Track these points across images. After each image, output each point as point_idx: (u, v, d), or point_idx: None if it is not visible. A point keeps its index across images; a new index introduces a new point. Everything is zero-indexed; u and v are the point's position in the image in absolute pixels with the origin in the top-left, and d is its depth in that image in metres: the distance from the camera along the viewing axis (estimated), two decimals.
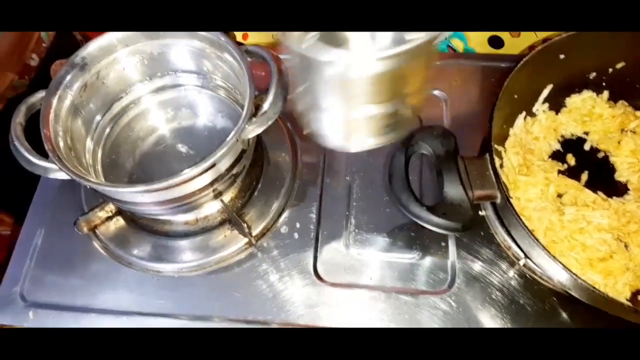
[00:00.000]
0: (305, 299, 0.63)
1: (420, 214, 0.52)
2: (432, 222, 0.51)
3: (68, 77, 0.61)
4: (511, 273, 0.63)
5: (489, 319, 0.60)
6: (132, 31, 0.62)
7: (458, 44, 0.94)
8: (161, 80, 0.69)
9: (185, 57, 0.66)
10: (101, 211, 0.66)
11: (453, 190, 0.52)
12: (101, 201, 0.67)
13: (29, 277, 0.66)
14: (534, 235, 0.50)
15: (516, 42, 0.93)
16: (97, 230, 0.67)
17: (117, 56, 0.64)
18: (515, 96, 0.62)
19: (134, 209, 0.64)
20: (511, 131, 0.64)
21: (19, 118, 0.59)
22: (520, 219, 0.50)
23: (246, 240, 0.66)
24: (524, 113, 0.65)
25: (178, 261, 0.65)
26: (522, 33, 0.94)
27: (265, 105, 0.58)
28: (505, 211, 0.53)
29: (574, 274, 0.49)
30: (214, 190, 0.62)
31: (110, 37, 0.62)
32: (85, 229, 0.66)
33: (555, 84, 0.65)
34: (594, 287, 0.48)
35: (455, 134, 0.61)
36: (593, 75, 0.66)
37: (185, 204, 0.61)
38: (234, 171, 0.61)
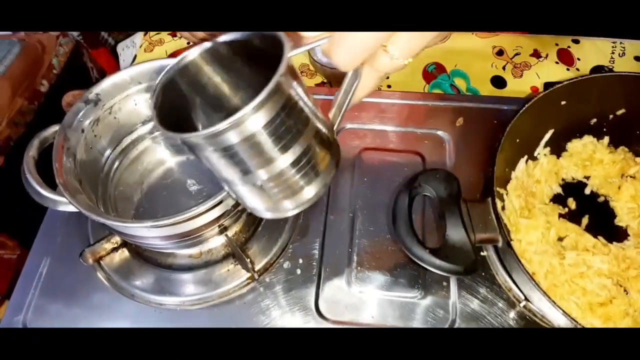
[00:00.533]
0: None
1: (423, 257, 0.52)
2: (435, 265, 0.52)
3: (82, 113, 0.63)
4: (512, 314, 0.63)
5: None
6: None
7: (461, 83, 0.96)
8: None
9: None
10: (107, 243, 0.67)
11: (455, 233, 0.53)
12: (107, 233, 0.68)
13: (33, 306, 0.67)
14: (534, 280, 0.51)
15: (519, 82, 0.95)
16: (102, 262, 0.68)
17: (130, 92, 0.66)
18: (518, 140, 0.63)
19: (140, 243, 0.64)
20: (513, 174, 0.65)
21: (32, 151, 0.60)
22: (522, 264, 0.51)
23: (249, 275, 0.66)
24: (525, 157, 0.67)
25: (180, 294, 0.66)
26: (524, 74, 0.96)
27: None
28: (507, 254, 0.54)
29: (573, 319, 0.49)
30: (219, 226, 0.63)
31: (123, 75, 0.64)
32: (90, 260, 0.67)
33: (556, 129, 0.67)
34: (574, 319, 0.48)
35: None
36: (594, 121, 0.67)
37: (191, 238, 0.62)
38: (240, 207, 0.62)
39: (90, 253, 0.66)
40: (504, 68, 0.98)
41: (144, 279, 0.67)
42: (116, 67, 1.27)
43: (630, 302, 0.56)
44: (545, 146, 0.68)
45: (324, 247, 0.69)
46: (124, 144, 0.70)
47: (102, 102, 0.65)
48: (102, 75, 1.28)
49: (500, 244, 0.54)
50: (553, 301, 0.49)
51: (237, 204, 0.62)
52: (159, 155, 0.73)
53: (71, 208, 0.58)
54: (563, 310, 0.49)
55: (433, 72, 0.98)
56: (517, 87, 0.95)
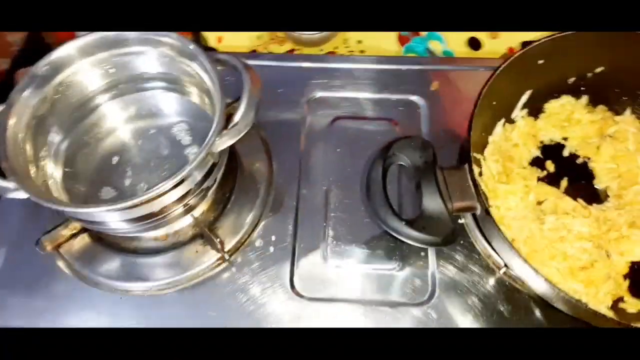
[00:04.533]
0: (282, 315, 0.60)
1: (399, 229, 0.50)
2: (412, 237, 0.50)
3: (28, 90, 0.58)
4: (491, 282, 0.62)
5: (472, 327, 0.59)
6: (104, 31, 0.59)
7: (436, 46, 0.92)
8: (125, 86, 0.66)
9: (152, 65, 0.63)
10: (65, 229, 0.63)
11: (432, 203, 0.51)
12: (65, 219, 0.64)
13: None
14: (514, 247, 0.49)
15: (495, 44, 0.92)
16: (60, 249, 0.64)
17: (79, 66, 0.61)
18: (494, 103, 0.61)
19: (100, 228, 0.61)
20: (490, 139, 0.63)
21: None
22: (501, 232, 0.49)
23: (219, 255, 0.63)
24: (503, 120, 0.64)
25: (148, 279, 0.62)
26: (501, 34, 0.93)
27: (237, 117, 0.56)
28: (486, 222, 0.52)
29: (554, 285, 0.48)
30: (184, 206, 0.59)
31: (70, 47, 0.59)
32: (48, 248, 0.62)
33: (534, 90, 0.64)
34: (575, 299, 0.47)
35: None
36: (572, 80, 0.65)
37: (154, 220, 0.58)
38: (205, 185, 0.59)
39: (47, 241, 0.62)
40: None
41: (108, 265, 0.63)
42: None
43: (612, 264, 0.55)
44: (522, 108, 0.65)
45: (297, 223, 0.66)
46: (74, 120, 0.65)
47: (49, 77, 0.59)
48: None
49: (478, 212, 0.52)
50: (534, 268, 0.48)
51: (201, 183, 0.58)
52: (111, 128, 0.67)
53: (21, 195, 0.54)
54: (544, 277, 0.47)
55: (407, 35, 0.95)
56: (494, 47, 0.91)
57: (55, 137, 0.63)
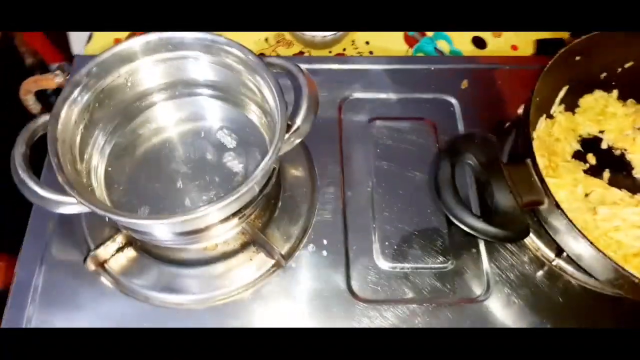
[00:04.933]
0: (342, 319, 0.60)
1: (476, 226, 0.51)
2: (489, 234, 0.51)
3: (74, 94, 0.55)
4: (541, 274, 0.64)
5: (527, 321, 0.60)
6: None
7: (444, 46, 0.94)
8: (176, 90, 0.64)
9: (204, 70, 0.61)
10: (112, 243, 0.60)
11: (503, 199, 0.52)
12: (108, 232, 0.61)
13: (33, 323, 0.59)
14: (582, 232, 0.50)
15: (498, 42, 0.95)
16: (106, 265, 0.61)
17: (133, 67, 0.59)
18: (538, 99, 0.62)
19: (150, 239, 0.59)
20: (534, 134, 0.65)
21: (22, 148, 0.52)
22: (571, 220, 0.50)
23: (273, 262, 0.62)
24: (544, 115, 0.66)
25: (202, 291, 0.60)
26: (503, 33, 0.96)
27: (298, 120, 0.55)
28: (551, 214, 0.53)
29: (619, 265, 0.49)
30: (242, 216, 0.58)
31: (126, 47, 0.57)
32: (93, 266, 0.60)
33: (570, 85, 0.67)
34: (632, 274, 0.48)
35: None
36: (604, 75, 0.68)
37: (208, 231, 0.57)
38: (265, 192, 0.58)
39: (94, 257, 0.59)
40: None
41: (157, 279, 0.61)
42: (54, 51, 1.15)
43: None
44: (560, 104, 0.67)
45: (346, 225, 0.66)
46: (120, 122, 0.63)
47: (95, 80, 0.57)
48: (38, 60, 1.16)
49: (546, 205, 0.53)
50: (602, 252, 0.49)
51: (262, 189, 0.57)
52: (159, 132, 0.65)
53: (77, 209, 0.51)
54: (611, 259, 0.49)
55: (415, 35, 0.96)
56: (498, 46, 0.94)
57: (100, 139, 0.61)
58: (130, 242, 0.62)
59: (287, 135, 0.54)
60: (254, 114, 0.65)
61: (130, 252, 0.62)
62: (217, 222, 0.56)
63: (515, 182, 0.53)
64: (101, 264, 0.61)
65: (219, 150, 0.64)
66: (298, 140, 0.56)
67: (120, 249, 0.62)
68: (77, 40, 1.03)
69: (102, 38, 0.94)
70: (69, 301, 0.60)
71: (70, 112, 0.55)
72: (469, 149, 0.54)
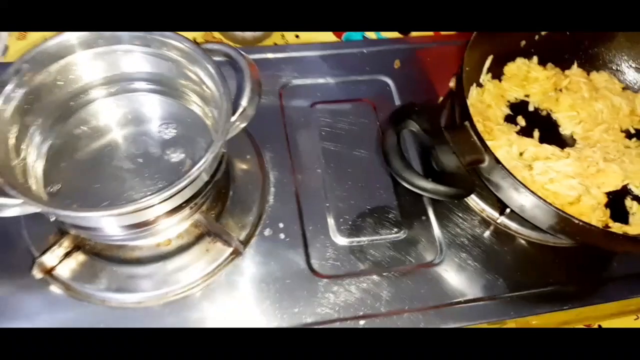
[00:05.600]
0: (307, 298, 0.60)
1: (428, 187, 0.53)
2: (441, 193, 0.53)
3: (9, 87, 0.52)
4: (488, 233, 0.67)
5: (482, 278, 0.63)
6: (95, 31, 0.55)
7: (372, 35, 0.98)
8: (115, 86, 0.62)
9: (142, 62, 0.60)
10: (59, 248, 0.58)
11: (449, 161, 0.54)
12: (55, 237, 0.58)
13: None
14: (523, 184, 0.53)
15: None
16: (54, 272, 0.58)
17: (71, 60, 0.57)
18: (467, 69, 0.66)
19: (98, 235, 0.57)
20: (468, 102, 0.68)
21: None
22: (511, 174, 0.54)
23: (231, 250, 0.61)
24: (474, 84, 0.70)
25: (162, 287, 0.59)
26: None
27: (244, 102, 0.55)
28: (493, 171, 0.56)
29: (559, 209, 0.53)
30: (194, 205, 0.57)
31: (62, 39, 0.55)
32: (40, 274, 0.57)
33: (494, 55, 0.71)
34: (579, 219, 0.52)
35: None
36: (523, 43, 0.73)
37: (156, 225, 0.55)
38: (216, 178, 0.57)
39: (40, 264, 0.56)
40: None
41: (111, 280, 0.59)
42: None
43: (594, 196, 0.63)
44: (486, 72, 0.71)
45: (300, 207, 0.66)
46: (58, 118, 0.60)
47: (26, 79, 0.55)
48: None
49: (486, 163, 0.56)
50: (544, 200, 0.53)
51: (212, 176, 0.56)
52: (100, 127, 0.63)
53: (18, 211, 0.48)
54: (553, 205, 0.52)
55: None
56: (421, 32, 0.99)
57: (36, 135, 0.58)
58: (78, 246, 0.60)
59: (233, 118, 0.54)
60: (195, 105, 0.64)
61: (79, 257, 0.60)
62: (168, 212, 0.55)
63: (457, 144, 0.56)
64: (49, 271, 0.58)
65: (162, 144, 0.62)
66: (244, 124, 0.56)
67: (67, 254, 0.59)
68: None
69: (20, 49, 0.90)
70: (16, 314, 0.57)
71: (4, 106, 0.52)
72: (410, 116, 0.56)
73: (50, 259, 0.57)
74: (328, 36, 0.95)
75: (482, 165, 0.57)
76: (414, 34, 0.96)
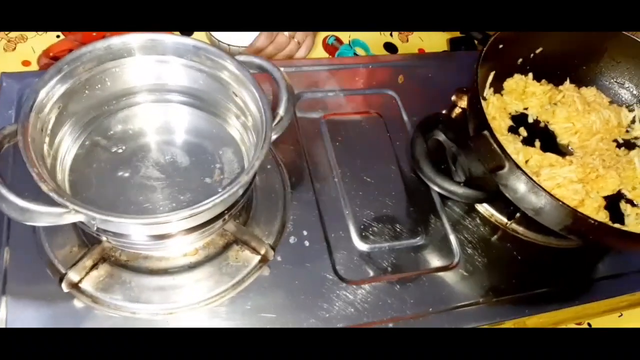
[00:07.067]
0: (336, 303, 0.62)
1: (457, 191, 0.56)
2: (472, 197, 0.56)
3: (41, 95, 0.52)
4: (497, 236, 0.71)
5: (495, 278, 0.67)
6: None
7: (361, 52, 1.02)
8: (156, 94, 0.62)
9: (178, 73, 0.60)
10: (88, 260, 0.56)
11: (474, 167, 0.58)
12: (80, 249, 0.57)
13: None
14: (541, 186, 0.58)
15: (407, 47, 1.06)
16: (80, 285, 0.57)
17: (116, 64, 0.57)
18: (476, 84, 0.70)
19: (133, 245, 0.56)
20: None
21: None
22: (530, 177, 0.58)
23: (259, 258, 0.62)
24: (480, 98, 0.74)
25: (191, 296, 0.59)
26: (409, 38, 1.07)
27: (281, 111, 0.57)
28: (512, 175, 0.60)
29: (576, 210, 0.57)
30: (228, 216, 0.57)
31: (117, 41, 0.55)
32: (68, 288, 0.55)
33: (496, 71, 0.76)
34: (596, 220, 0.57)
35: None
36: (520, 60, 0.78)
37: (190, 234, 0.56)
38: (250, 189, 0.58)
39: (68, 278, 0.55)
40: (391, 35, 1.07)
41: (141, 291, 0.58)
42: None
43: (595, 200, 0.68)
44: (489, 87, 0.76)
45: (322, 215, 0.68)
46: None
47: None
48: None
49: (506, 168, 0.60)
50: (557, 198, 0.57)
51: (247, 188, 0.57)
52: (131, 137, 0.63)
53: (71, 219, 0.48)
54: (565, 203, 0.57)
55: (334, 44, 1.02)
56: (407, 50, 1.05)
57: (67, 138, 0.57)
58: (104, 258, 0.59)
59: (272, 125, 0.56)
60: (233, 125, 0.65)
61: (105, 268, 0.58)
62: (206, 221, 0.55)
63: (479, 152, 0.60)
64: (75, 285, 0.56)
65: (191, 155, 0.63)
66: (279, 134, 0.57)
67: (94, 266, 0.58)
68: None
69: (7, 61, 0.88)
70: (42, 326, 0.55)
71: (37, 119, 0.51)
72: (437, 126, 0.59)
73: (78, 271, 0.56)
74: (319, 53, 0.98)
75: (501, 171, 0.61)
76: (412, 50, 1.01)
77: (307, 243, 0.65)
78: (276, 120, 0.56)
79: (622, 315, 0.89)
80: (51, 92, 0.53)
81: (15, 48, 0.92)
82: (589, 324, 0.89)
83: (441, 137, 0.59)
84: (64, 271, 0.56)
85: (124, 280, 0.58)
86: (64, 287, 0.55)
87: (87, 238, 0.60)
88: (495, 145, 0.60)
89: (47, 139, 0.54)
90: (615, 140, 0.77)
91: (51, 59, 0.85)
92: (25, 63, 0.90)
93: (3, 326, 0.54)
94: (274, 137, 0.56)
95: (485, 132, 0.61)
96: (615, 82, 0.81)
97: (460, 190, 0.56)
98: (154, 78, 0.60)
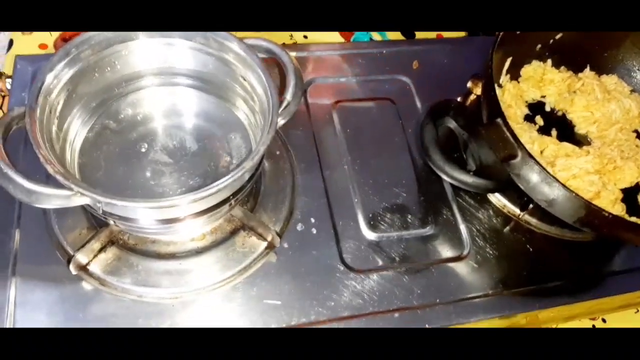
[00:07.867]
0: (343, 291, 0.61)
1: (469, 181, 0.55)
2: (482, 187, 0.55)
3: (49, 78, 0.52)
4: (509, 228, 0.70)
5: (508, 267, 0.66)
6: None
7: (377, 36, 1.00)
8: (163, 78, 0.62)
9: (197, 60, 0.60)
10: (96, 242, 0.57)
11: (485, 155, 0.56)
12: (89, 232, 0.58)
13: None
14: (554, 176, 0.56)
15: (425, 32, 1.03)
16: (89, 267, 0.58)
17: (125, 46, 0.57)
18: (490, 70, 0.68)
19: (141, 229, 0.56)
20: None
21: None
22: (544, 167, 0.56)
23: (265, 244, 0.61)
24: (495, 85, 0.72)
25: (197, 281, 0.59)
26: None
27: (288, 96, 0.56)
28: (524, 165, 0.58)
29: (590, 202, 0.55)
30: (234, 201, 0.57)
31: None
32: (76, 270, 0.56)
33: (513, 57, 0.74)
34: (611, 213, 0.55)
35: None
36: (539, 46, 0.76)
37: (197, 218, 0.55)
38: (257, 174, 0.58)
39: (76, 259, 0.55)
40: None
41: (148, 274, 0.58)
42: None
43: (612, 192, 0.66)
44: (506, 74, 0.74)
45: (330, 203, 0.67)
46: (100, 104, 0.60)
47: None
48: None
49: (519, 158, 0.58)
50: (572, 190, 0.55)
51: (254, 172, 0.57)
52: (138, 120, 0.63)
53: (76, 202, 0.48)
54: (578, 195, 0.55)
55: None
56: (424, 35, 1.02)
57: (77, 121, 0.57)
58: (112, 241, 0.59)
59: (279, 110, 0.55)
60: (240, 108, 0.64)
61: (113, 251, 0.59)
62: (212, 205, 0.55)
63: (491, 140, 0.58)
64: (84, 267, 0.57)
65: (200, 140, 0.63)
66: (287, 119, 0.57)
67: (102, 249, 0.58)
68: None
69: (24, 44, 0.88)
70: (51, 309, 0.55)
71: (45, 102, 0.51)
72: (448, 113, 0.58)
73: (86, 254, 0.56)
74: (335, 37, 0.96)
75: (514, 160, 0.60)
76: (429, 35, 0.99)
77: (314, 231, 0.65)
78: (283, 105, 0.56)
79: (638, 311, 0.87)
80: (59, 75, 0.53)
81: (31, 32, 0.93)
82: (603, 320, 0.87)
83: (452, 124, 0.58)
84: (72, 253, 0.56)
85: (131, 264, 0.59)
86: (72, 269, 0.55)
87: (96, 221, 0.60)
88: (508, 134, 0.58)
89: (56, 122, 0.54)
90: (636, 131, 0.74)
91: (67, 42, 0.85)
92: (42, 46, 0.90)
93: (12, 307, 0.55)
94: (281, 122, 0.56)
95: (498, 120, 0.59)
96: (638, 69, 0.78)
97: (469, 179, 0.54)
98: (162, 61, 0.60)
